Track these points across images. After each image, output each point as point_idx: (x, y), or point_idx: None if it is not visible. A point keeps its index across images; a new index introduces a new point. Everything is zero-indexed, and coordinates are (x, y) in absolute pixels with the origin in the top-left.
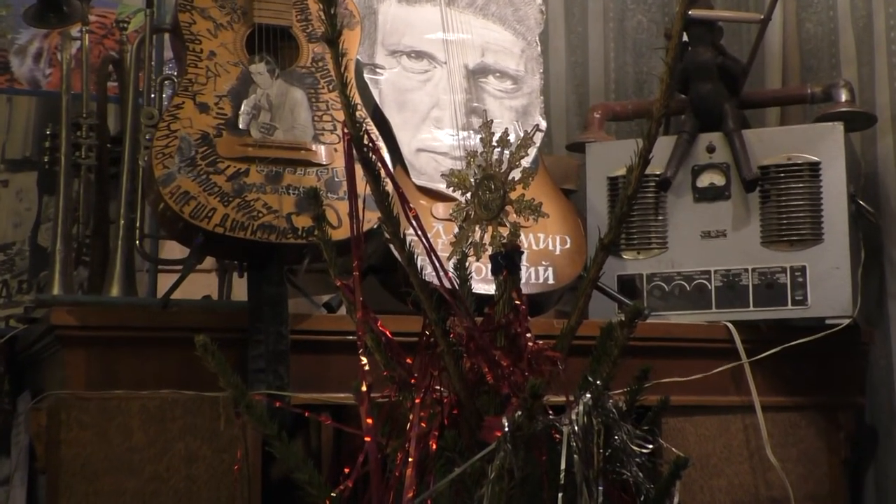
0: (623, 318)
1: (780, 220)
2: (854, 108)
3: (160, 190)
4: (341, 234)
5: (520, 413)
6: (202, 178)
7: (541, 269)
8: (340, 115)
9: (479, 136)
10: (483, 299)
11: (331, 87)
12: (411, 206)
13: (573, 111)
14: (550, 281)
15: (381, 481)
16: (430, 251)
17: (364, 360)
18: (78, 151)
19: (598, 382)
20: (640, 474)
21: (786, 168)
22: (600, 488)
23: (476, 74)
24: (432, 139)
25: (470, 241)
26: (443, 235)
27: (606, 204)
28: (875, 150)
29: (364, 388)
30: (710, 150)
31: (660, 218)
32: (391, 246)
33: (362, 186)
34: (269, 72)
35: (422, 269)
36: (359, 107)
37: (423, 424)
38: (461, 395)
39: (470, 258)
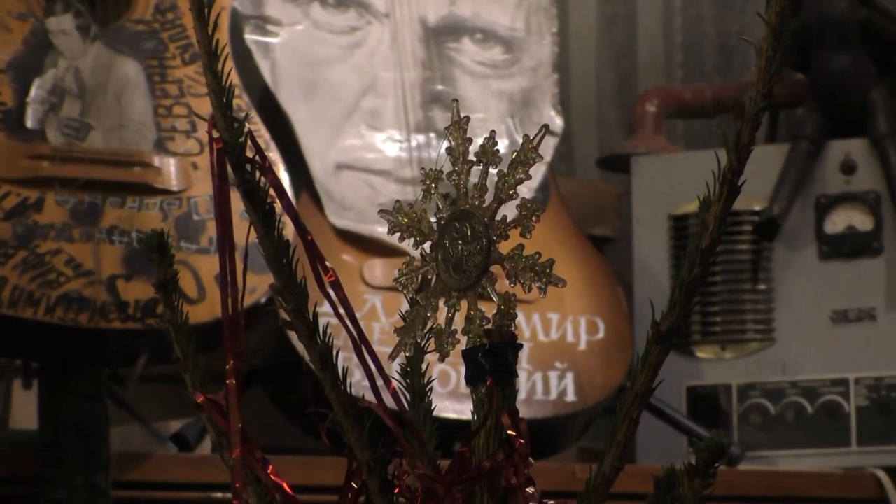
0: (696, 461)
1: None
2: None
3: None
4: (205, 313)
5: None
6: None
7: (553, 375)
8: (204, 106)
9: (444, 144)
10: (452, 428)
11: (188, 56)
12: (327, 264)
13: (610, 100)
14: (570, 396)
15: None
16: (360, 343)
17: None
18: None
19: None
20: None
21: None
22: None
23: (441, 36)
24: (364, 148)
25: (429, 326)
26: (382, 316)
27: (667, 262)
28: None
29: None
30: (848, 168)
31: (761, 287)
32: (291, 334)
33: (242, 231)
34: (81, 30)
35: (345, 376)
36: (237, 91)
37: None
38: None
39: (429, 356)
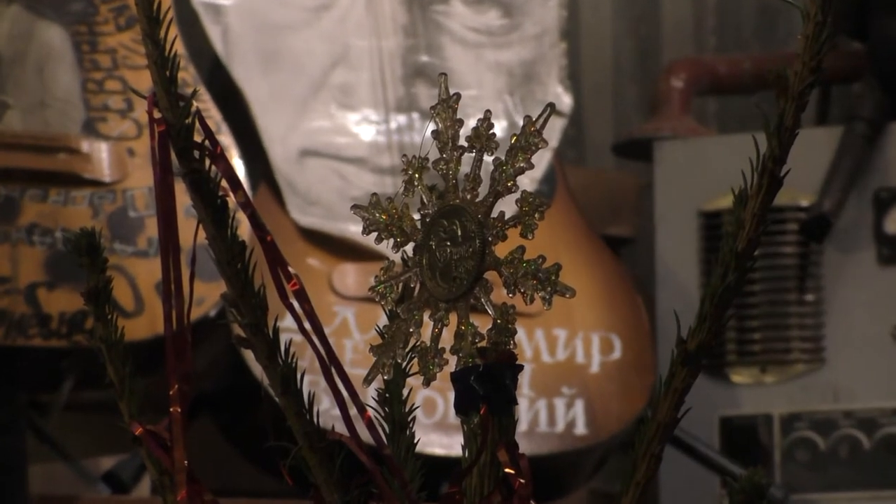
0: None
1: None
2: None
3: None
4: (144, 328)
5: None
6: None
7: (560, 402)
8: (143, 81)
9: (430, 126)
10: (439, 465)
11: (123, 21)
12: (291, 270)
13: (629, 74)
14: (580, 428)
15: None
16: (330, 364)
17: None
18: None
19: None
20: None
21: None
22: None
23: None
24: (333, 131)
25: (412, 344)
26: (355, 332)
27: (696, 268)
28: None
29: None
30: None
31: (808, 298)
32: (246, 354)
33: (189, 230)
34: None
35: (312, 403)
36: (183, 63)
37: None
38: None
39: (411, 380)
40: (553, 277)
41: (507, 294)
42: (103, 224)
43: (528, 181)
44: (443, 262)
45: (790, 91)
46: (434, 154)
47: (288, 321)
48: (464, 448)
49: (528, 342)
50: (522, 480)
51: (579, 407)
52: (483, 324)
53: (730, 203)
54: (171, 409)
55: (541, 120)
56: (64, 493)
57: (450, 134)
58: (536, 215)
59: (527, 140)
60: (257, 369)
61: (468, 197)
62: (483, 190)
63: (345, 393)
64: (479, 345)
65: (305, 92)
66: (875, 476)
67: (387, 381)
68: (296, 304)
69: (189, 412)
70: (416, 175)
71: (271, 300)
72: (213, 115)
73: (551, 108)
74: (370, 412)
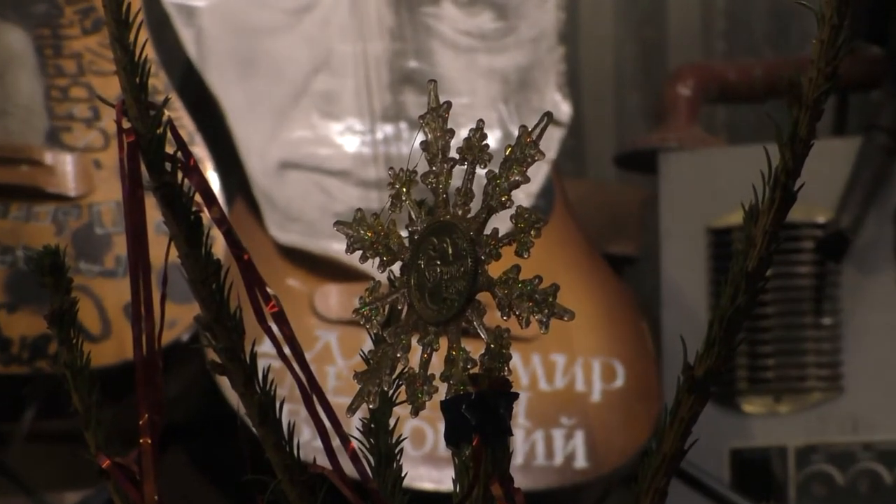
0: None
1: None
2: None
3: None
4: (111, 353)
5: None
6: None
7: (559, 433)
8: (110, 88)
9: (418, 137)
10: (429, 501)
11: (89, 24)
12: (269, 291)
13: (631, 81)
14: (580, 461)
15: None
16: (311, 392)
17: None
18: None
19: None
20: None
21: None
22: None
23: None
24: (315, 141)
25: (400, 370)
26: (338, 358)
27: (704, 289)
28: None
29: None
30: None
31: (825, 321)
32: (221, 380)
33: (160, 248)
34: None
35: (292, 434)
36: (154, 69)
37: None
38: None
39: (399, 409)
40: (550, 299)
41: (502, 317)
42: (68, 241)
43: (523, 195)
44: (432, 282)
45: (804, 99)
46: (423, 167)
47: (266, 346)
48: (455, 482)
49: (524, 368)
50: None
51: (579, 438)
52: (475, 349)
53: (740, 219)
54: (141, 440)
55: (537, 130)
56: None
57: (440, 145)
58: (533, 232)
59: (522, 151)
60: (233, 397)
61: (459, 212)
62: (475, 205)
63: (327, 423)
64: (471, 371)
65: (285, 100)
66: None
67: (372, 410)
68: (274, 328)
69: (160, 443)
70: (404, 189)
71: (248, 323)
72: (186, 125)
73: (549, 117)
74: (354, 443)
